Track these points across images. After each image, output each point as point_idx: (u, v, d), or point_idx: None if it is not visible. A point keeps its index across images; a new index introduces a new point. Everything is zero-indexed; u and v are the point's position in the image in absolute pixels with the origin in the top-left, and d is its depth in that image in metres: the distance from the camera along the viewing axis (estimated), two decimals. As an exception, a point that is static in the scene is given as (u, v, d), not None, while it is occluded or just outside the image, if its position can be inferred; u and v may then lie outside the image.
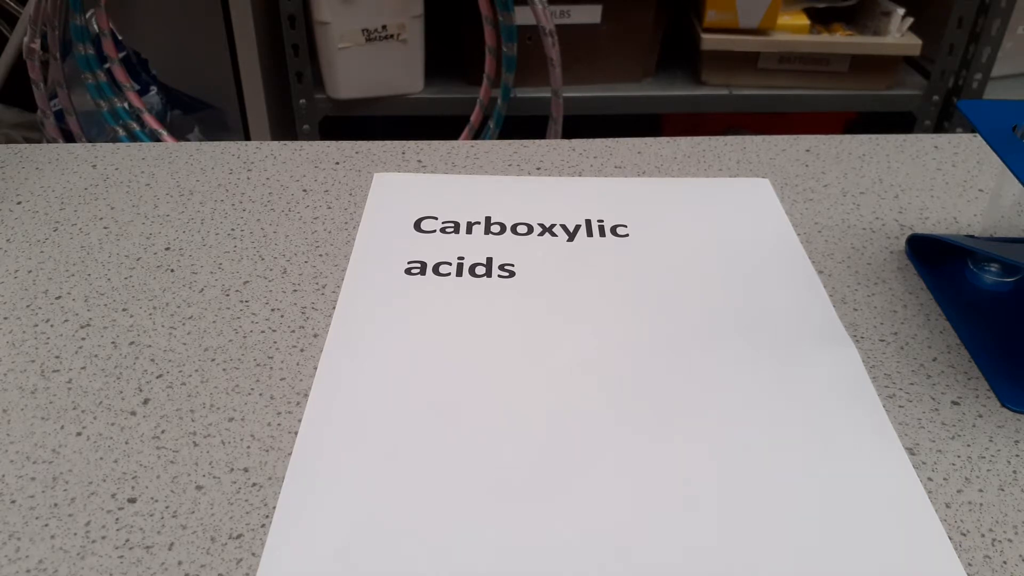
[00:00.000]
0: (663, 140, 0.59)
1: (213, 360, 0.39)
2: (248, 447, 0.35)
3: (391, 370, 0.38)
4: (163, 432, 0.35)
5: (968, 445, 0.36)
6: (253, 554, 0.30)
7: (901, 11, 1.29)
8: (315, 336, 0.41)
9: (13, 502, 0.32)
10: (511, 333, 0.41)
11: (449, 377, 0.38)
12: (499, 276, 0.45)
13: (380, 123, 1.51)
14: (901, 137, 0.60)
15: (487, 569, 0.30)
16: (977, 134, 0.57)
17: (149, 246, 0.47)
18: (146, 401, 0.37)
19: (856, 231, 0.49)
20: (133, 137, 1.28)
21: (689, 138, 0.59)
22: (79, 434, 0.35)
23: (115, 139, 1.29)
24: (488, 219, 0.49)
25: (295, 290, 0.44)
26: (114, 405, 0.37)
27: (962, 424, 0.37)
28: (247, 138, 1.41)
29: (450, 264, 0.45)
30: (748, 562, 0.30)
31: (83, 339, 0.40)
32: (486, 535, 0.31)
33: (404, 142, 0.58)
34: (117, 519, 0.32)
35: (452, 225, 0.49)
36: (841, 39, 1.31)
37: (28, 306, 0.42)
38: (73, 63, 1.24)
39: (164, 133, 1.30)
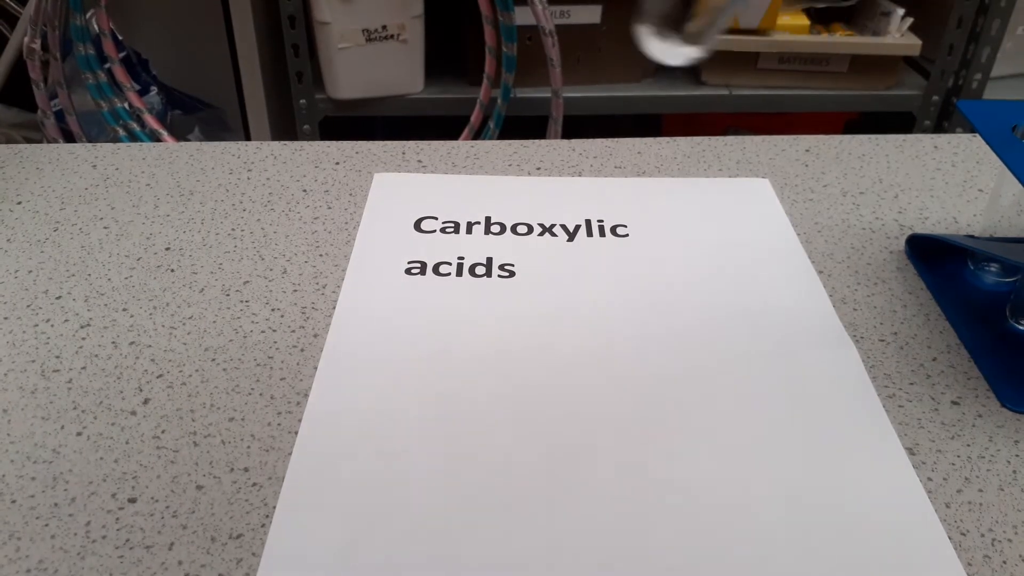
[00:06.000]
0: (663, 140, 0.59)
1: (213, 360, 0.39)
2: (248, 447, 0.35)
3: (391, 370, 0.38)
4: (163, 432, 0.35)
5: (968, 445, 0.36)
6: (253, 554, 0.30)
7: (901, 11, 1.29)
8: (315, 336, 0.41)
9: (13, 502, 0.32)
10: (511, 333, 0.41)
11: (449, 377, 0.38)
12: (499, 276, 0.45)
13: (380, 123, 1.51)
14: (901, 137, 0.60)
15: (487, 569, 0.30)
16: (977, 134, 0.57)
17: (149, 246, 0.47)
18: (146, 401, 0.37)
19: (856, 231, 0.49)
20: (133, 137, 1.28)
21: (689, 138, 0.59)
22: (79, 434, 0.35)
23: (115, 139, 1.29)
24: (488, 219, 0.49)
25: (295, 290, 0.44)
26: (114, 405, 0.37)
27: (962, 424, 0.37)
28: (247, 138, 1.41)
29: (450, 264, 0.45)
30: (748, 562, 0.30)
31: (83, 339, 0.40)
32: (486, 535, 0.31)
33: (404, 142, 0.58)
34: (117, 519, 0.32)
35: (452, 225, 0.49)
36: (841, 39, 1.31)
37: (28, 306, 0.42)
38: (73, 63, 1.24)
39: (164, 133, 1.30)
